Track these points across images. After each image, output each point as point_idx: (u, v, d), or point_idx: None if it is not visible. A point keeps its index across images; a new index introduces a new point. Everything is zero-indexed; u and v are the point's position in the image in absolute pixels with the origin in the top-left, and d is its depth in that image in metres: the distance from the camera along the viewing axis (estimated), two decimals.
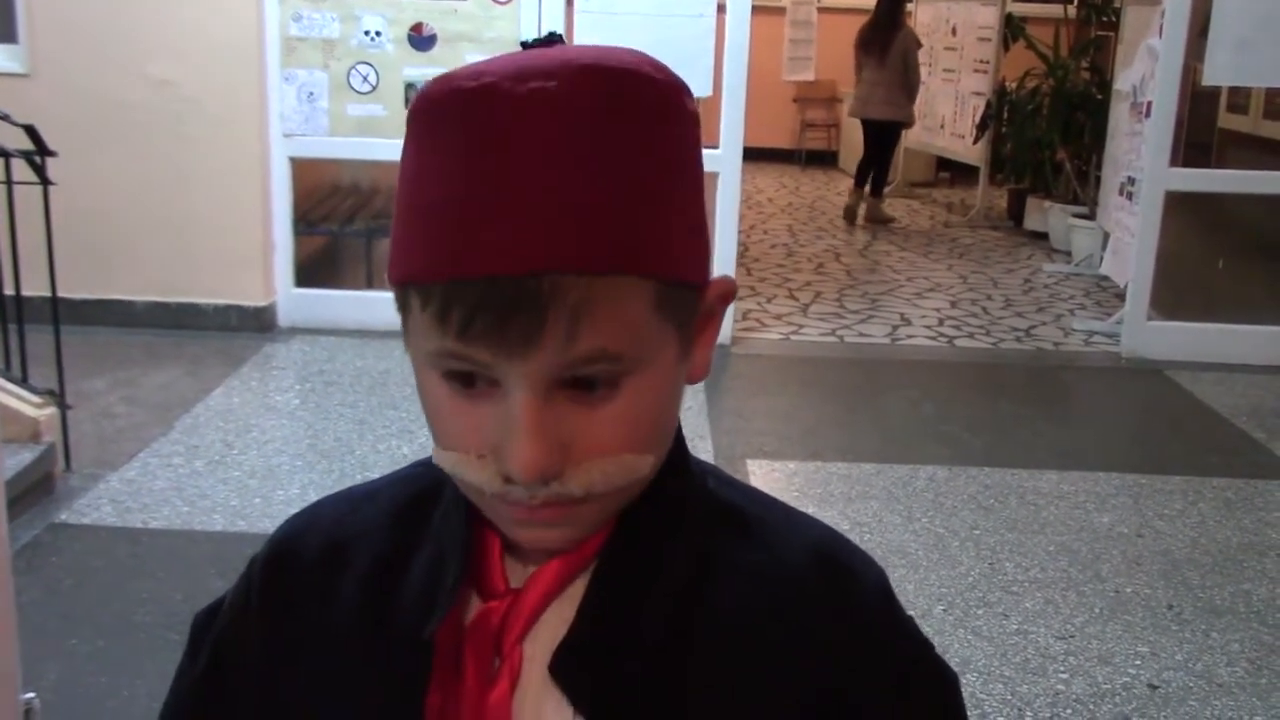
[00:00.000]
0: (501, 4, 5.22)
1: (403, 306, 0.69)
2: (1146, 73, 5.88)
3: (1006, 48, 8.83)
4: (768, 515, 0.81)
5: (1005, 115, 8.70)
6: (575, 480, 0.67)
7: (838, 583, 0.78)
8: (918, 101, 9.59)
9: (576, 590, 0.74)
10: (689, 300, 0.71)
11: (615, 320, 0.65)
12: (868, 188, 8.98)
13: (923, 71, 9.71)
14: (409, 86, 5.29)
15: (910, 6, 10.01)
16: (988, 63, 8.85)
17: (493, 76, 0.64)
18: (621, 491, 0.71)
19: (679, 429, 0.78)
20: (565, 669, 0.72)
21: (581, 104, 0.64)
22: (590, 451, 0.67)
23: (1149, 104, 5.67)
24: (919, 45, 8.90)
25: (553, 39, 0.70)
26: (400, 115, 5.30)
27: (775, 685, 0.75)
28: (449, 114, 0.65)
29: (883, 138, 8.92)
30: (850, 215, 9.01)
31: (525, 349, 0.64)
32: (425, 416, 0.72)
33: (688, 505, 0.78)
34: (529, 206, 0.63)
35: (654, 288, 0.67)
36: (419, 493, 0.81)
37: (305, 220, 5.65)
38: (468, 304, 0.63)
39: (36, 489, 3.57)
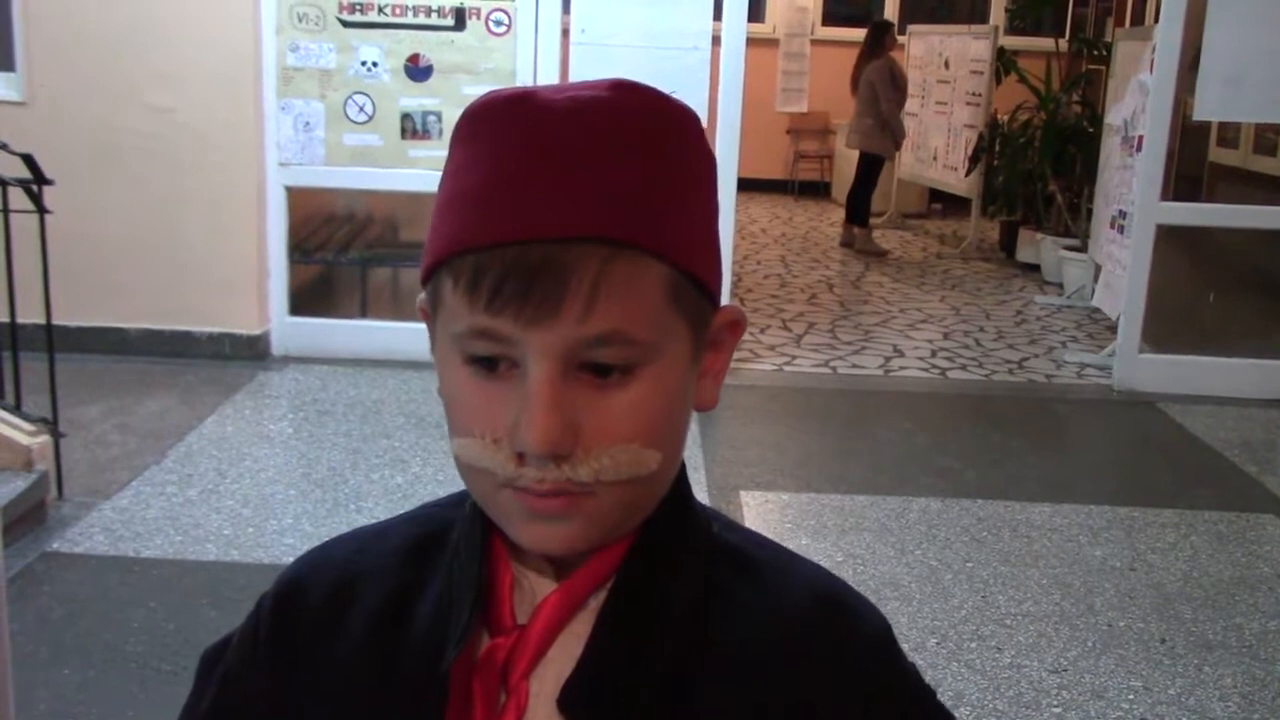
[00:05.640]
0: (498, 35, 5.26)
1: (433, 298, 0.73)
2: (1137, 107, 5.93)
3: (998, 81, 8.89)
4: (771, 558, 0.82)
5: (997, 148, 8.76)
6: (585, 465, 0.69)
7: (839, 625, 0.79)
8: (911, 134, 9.64)
9: (582, 627, 0.75)
10: (702, 304, 0.74)
11: (631, 301, 0.69)
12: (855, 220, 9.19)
13: (915, 104, 9.78)
14: (405, 117, 5.31)
15: (902, 39, 10.09)
16: (980, 96, 8.91)
17: (532, 90, 0.72)
18: (627, 491, 0.71)
19: (683, 468, 0.79)
20: (574, 703, 0.73)
21: (612, 107, 0.71)
22: (601, 437, 0.69)
23: (1140, 138, 5.71)
24: (894, 77, 8.98)
25: None
26: (396, 145, 5.33)
27: None
28: (490, 116, 0.71)
29: (861, 168, 9.22)
30: (849, 244, 9.18)
31: (546, 318, 0.67)
32: (445, 411, 0.74)
33: (692, 542, 0.79)
34: (558, 183, 0.68)
35: (669, 275, 0.71)
36: (428, 532, 0.82)
37: (300, 249, 5.66)
38: (496, 272, 0.68)
39: (29, 517, 3.56)
